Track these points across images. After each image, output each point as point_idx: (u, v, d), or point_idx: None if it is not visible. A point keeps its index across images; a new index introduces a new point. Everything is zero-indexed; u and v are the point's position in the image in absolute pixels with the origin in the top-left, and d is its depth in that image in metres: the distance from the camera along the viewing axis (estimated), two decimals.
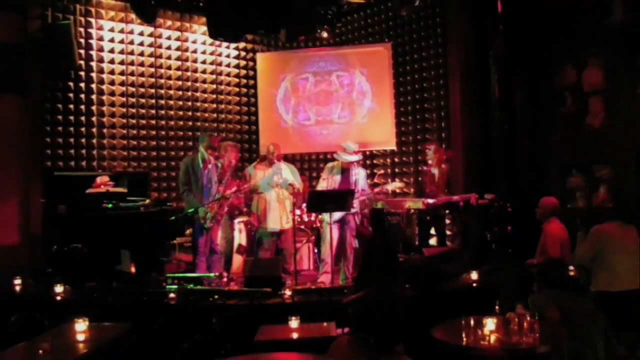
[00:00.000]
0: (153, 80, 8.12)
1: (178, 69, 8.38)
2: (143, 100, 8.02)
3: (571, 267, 4.47)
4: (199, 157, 6.18)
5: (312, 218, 7.22)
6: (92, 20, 7.57)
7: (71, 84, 7.37)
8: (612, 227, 4.48)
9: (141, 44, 8.02)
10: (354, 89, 8.64)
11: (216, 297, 5.15)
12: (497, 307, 3.71)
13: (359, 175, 6.44)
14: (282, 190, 6.50)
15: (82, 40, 7.45)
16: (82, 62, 7.41)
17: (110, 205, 5.90)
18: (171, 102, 8.30)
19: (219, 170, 6.28)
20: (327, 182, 6.44)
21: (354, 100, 8.64)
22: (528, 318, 3.41)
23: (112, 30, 7.73)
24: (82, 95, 7.46)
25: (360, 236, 5.96)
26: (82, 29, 7.45)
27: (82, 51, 7.43)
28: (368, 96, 8.57)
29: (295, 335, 3.84)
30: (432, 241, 7.04)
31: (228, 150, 6.60)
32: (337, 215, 6.14)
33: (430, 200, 6.58)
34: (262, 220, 6.48)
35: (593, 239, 4.51)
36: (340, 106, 8.69)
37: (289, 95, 8.83)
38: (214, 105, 8.77)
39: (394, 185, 7.09)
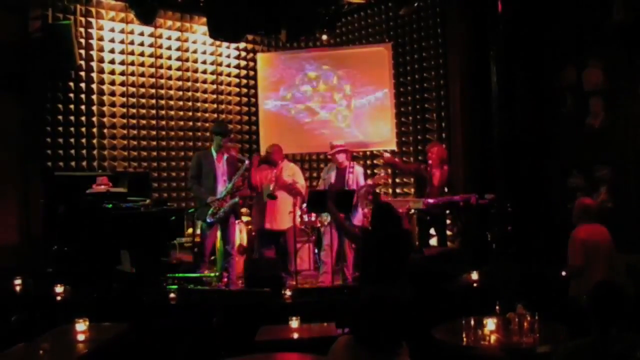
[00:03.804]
0: (153, 80, 8.12)
1: (178, 69, 8.39)
2: (143, 101, 8.03)
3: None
4: (214, 148, 6.15)
5: (313, 218, 7.22)
6: (93, 20, 7.57)
7: (71, 84, 7.37)
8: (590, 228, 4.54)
9: (141, 44, 8.02)
10: (354, 89, 8.65)
11: (216, 297, 5.15)
12: (497, 307, 3.71)
13: (357, 176, 6.41)
14: (284, 190, 6.48)
15: (83, 40, 7.45)
16: (82, 62, 7.41)
17: (110, 206, 5.89)
18: (172, 102, 8.31)
19: (225, 165, 6.25)
20: (324, 182, 6.44)
21: (354, 100, 8.64)
22: (528, 318, 3.41)
23: (112, 30, 7.74)
24: (83, 95, 7.47)
25: (353, 236, 5.94)
26: (82, 29, 7.45)
27: (83, 51, 7.43)
28: (368, 96, 8.57)
29: (295, 336, 3.84)
30: (432, 241, 7.03)
31: (228, 150, 6.59)
32: None
33: (430, 200, 6.57)
34: (264, 220, 6.47)
35: (580, 242, 4.50)
36: (340, 106, 8.69)
37: (289, 96, 8.83)
38: (215, 106, 8.78)
39: (381, 178, 7.05)
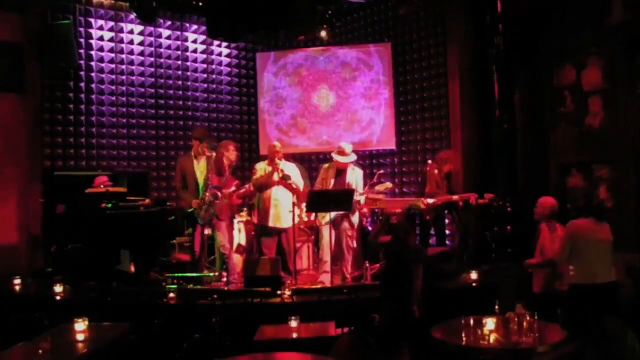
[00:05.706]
0: (153, 80, 8.12)
1: (178, 68, 8.39)
2: (143, 100, 8.03)
3: (571, 267, 4.49)
4: (201, 152, 6.18)
5: (312, 218, 7.21)
6: (92, 20, 7.58)
7: (71, 83, 7.37)
8: (585, 222, 4.54)
9: (141, 44, 8.02)
10: (353, 88, 8.64)
11: (216, 297, 5.15)
12: (497, 307, 3.72)
13: (357, 177, 6.39)
14: (284, 189, 6.46)
15: (82, 40, 7.45)
16: (82, 62, 7.42)
17: (110, 205, 5.90)
18: (171, 102, 8.31)
19: (211, 165, 6.28)
20: (323, 183, 6.41)
21: (354, 100, 8.63)
22: (528, 318, 3.42)
23: (112, 30, 7.74)
24: (82, 95, 7.48)
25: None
26: (82, 29, 7.46)
27: (82, 51, 7.43)
28: (368, 96, 8.57)
29: (295, 335, 3.84)
30: (432, 241, 7.03)
31: (229, 149, 6.58)
32: (333, 215, 6.11)
33: (430, 200, 6.57)
34: (264, 219, 6.46)
35: (568, 234, 4.58)
36: (340, 106, 8.69)
37: (289, 95, 8.83)
38: (214, 105, 8.78)
39: (385, 186, 7.01)
